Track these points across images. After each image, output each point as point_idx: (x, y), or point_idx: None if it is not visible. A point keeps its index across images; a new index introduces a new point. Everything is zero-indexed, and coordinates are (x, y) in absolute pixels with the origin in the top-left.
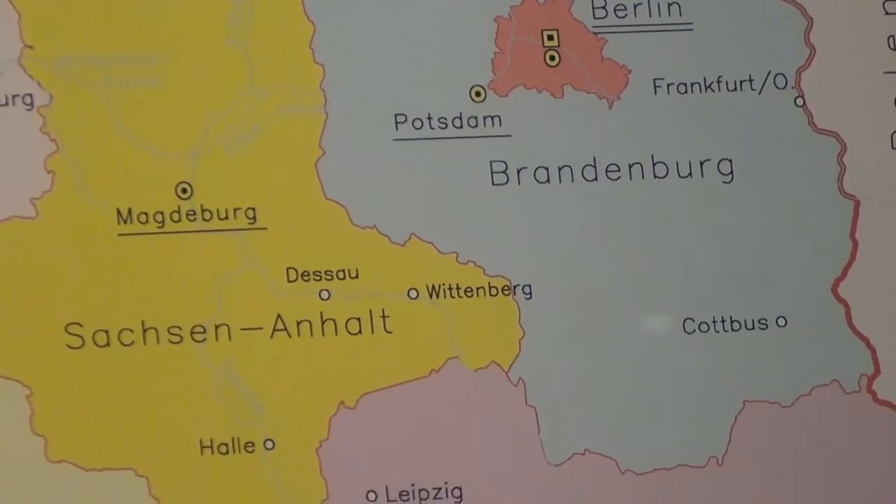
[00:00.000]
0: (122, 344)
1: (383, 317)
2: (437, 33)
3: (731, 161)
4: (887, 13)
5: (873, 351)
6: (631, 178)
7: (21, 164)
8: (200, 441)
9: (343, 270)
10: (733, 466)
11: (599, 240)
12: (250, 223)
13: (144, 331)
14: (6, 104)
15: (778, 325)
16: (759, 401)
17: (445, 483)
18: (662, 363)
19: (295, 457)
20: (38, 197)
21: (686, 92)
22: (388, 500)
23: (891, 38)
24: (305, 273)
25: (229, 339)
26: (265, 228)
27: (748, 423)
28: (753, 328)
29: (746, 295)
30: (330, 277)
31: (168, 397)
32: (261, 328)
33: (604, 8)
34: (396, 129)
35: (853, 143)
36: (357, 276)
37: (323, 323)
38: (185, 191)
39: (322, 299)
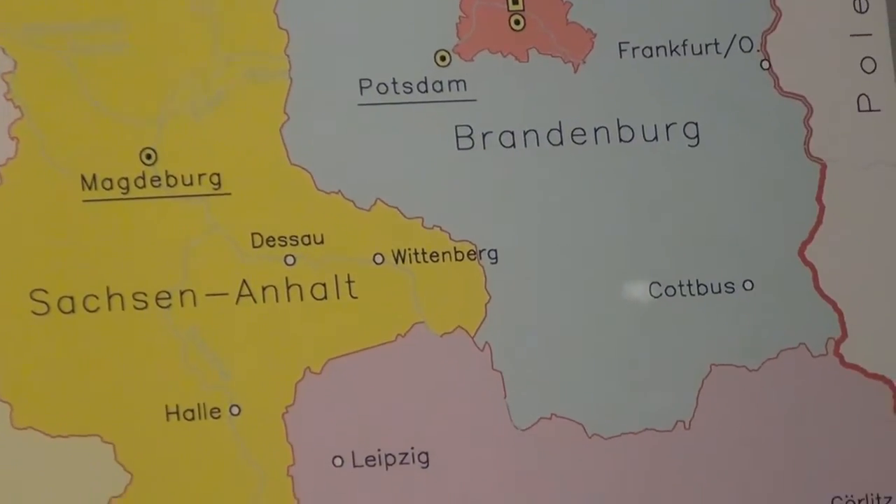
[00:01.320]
0: (87, 310)
1: (349, 282)
2: None
3: (696, 125)
4: None
5: (840, 314)
6: (597, 143)
7: None
8: (166, 407)
9: (308, 236)
10: (701, 430)
11: (565, 204)
12: (215, 189)
13: (109, 297)
14: None
15: (745, 288)
16: (726, 364)
17: (412, 448)
18: (629, 327)
19: (261, 422)
20: (3, 163)
21: (652, 56)
22: (355, 466)
23: (857, 1)
24: (271, 238)
25: (194, 304)
26: (230, 194)
27: (715, 387)
28: (720, 292)
29: (713, 259)
30: (295, 243)
31: (133, 363)
32: (226, 294)
33: None
34: (361, 94)
35: (819, 106)
36: (322, 242)
37: (288, 288)
38: (149, 157)
39: (287, 265)
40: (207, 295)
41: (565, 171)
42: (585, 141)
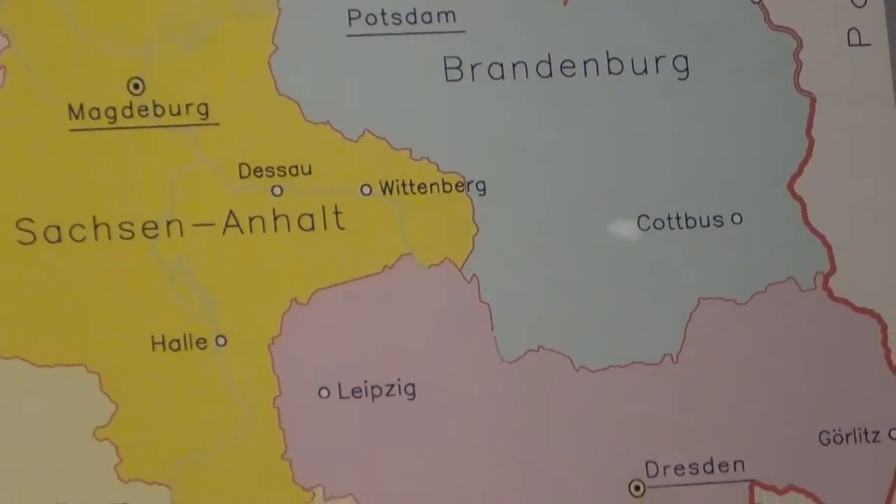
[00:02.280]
0: (74, 240)
1: (336, 213)
2: None
3: (686, 58)
4: None
5: (829, 248)
6: (586, 75)
7: None
8: (152, 337)
9: (296, 166)
10: (688, 364)
11: (554, 136)
12: (202, 119)
13: (96, 226)
14: None
15: (733, 221)
16: (714, 298)
17: (398, 379)
18: (617, 260)
19: (247, 353)
20: None
21: None
22: (341, 397)
23: None
24: (258, 169)
25: (181, 235)
26: (217, 124)
27: (703, 320)
28: (709, 225)
29: (701, 192)
30: (283, 173)
31: (120, 294)
32: (213, 224)
33: None
34: (350, 24)
35: (809, 39)
36: (310, 173)
37: (275, 219)
38: (137, 86)
39: (274, 195)
40: (194, 225)
41: (554, 103)
42: (574, 73)
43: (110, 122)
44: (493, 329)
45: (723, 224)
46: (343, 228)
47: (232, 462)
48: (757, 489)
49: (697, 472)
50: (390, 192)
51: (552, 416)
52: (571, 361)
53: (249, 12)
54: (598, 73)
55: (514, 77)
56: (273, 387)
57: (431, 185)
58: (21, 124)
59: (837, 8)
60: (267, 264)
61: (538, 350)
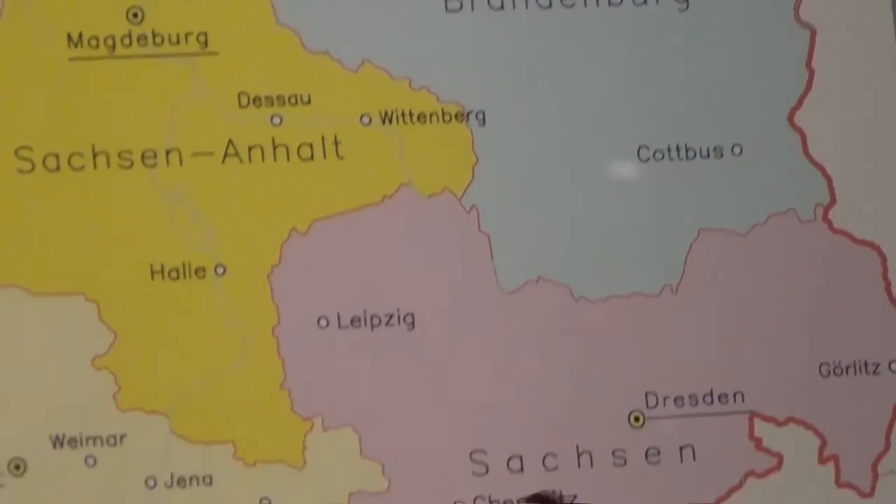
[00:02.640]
0: (73, 168)
1: (335, 143)
2: None
3: None
4: None
5: (829, 180)
6: (585, 6)
7: None
8: (151, 266)
9: (295, 96)
10: (688, 295)
11: (554, 67)
12: (202, 48)
13: (95, 155)
14: None
15: (733, 153)
16: (715, 229)
17: (398, 309)
18: (617, 191)
19: (246, 282)
20: None
21: None
22: (340, 327)
23: None
24: (257, 98)
25: (180, 164)
26: (217, 53)
27: (703, 251)
28: (709, 156)
29: (702, 123)
30: (282, 103)
31: (118, 223)
32: (212, 153)
33: None
34: None
35: None
36: (309, 102)
37: (275, 148)
38: (136, 15)
39: (274, 125)
40: (193, 154)
41: (554, 33)
42: (574, 3)
43: (109, 52)
44: (492, 259)
45: (723, 155)
46: (342, 158)
47: (230, 391)
48: (757, 421)
49: (697, 403)
50: (390, 121)
51: (551, 347)
52: (571, 292)
53: None
54: (597, 5)
55: (514, 7)
56: (272, 316)
57: (431, 114)
58: (20, 54)
59: None
60: (266, 194)
61: (538, 280)
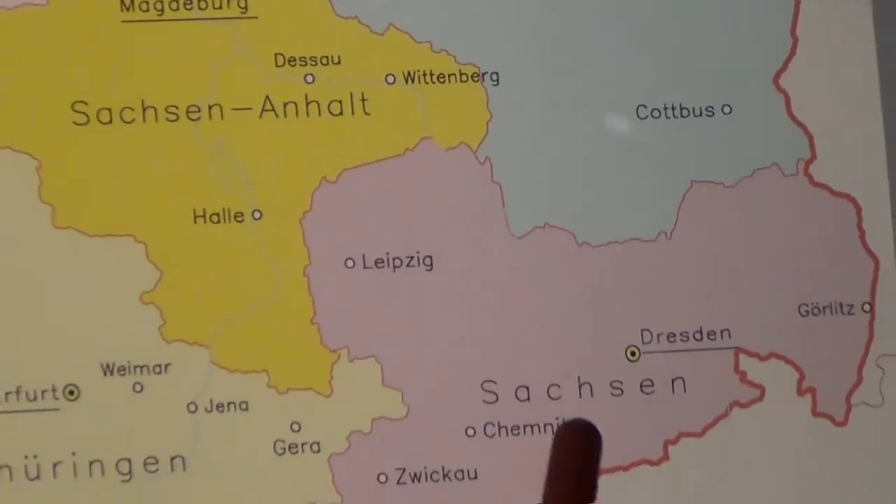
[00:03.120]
0: (124, 121)
1: (363, 100)
2: None
3: None
4: None
5: (811, 138)
6: None
7: None
8: (194, 211)
9: (327, 57)
10: (680, 241)
11: (563, 32)
12: (242, 12)
13: (144, 109)
14: None
15: (723, 112)
16: (705, 181)
17: (417, 252)
18: (617, 145)
19: (280, 226)
20: None
21: None
22: (365, 267)
23: None
24: (292, 59)
25: (221, 118)
26: (256, 17)
27: (695, 201)
28: (701, 115)
29: (695, 85)
30: (314, 63)
31: (165, 171)
32: (250, 109)
33: None
34: None
35: None
36: (339, 62)
37: (307, 104)
38: None
39: (307, 83)
40: (233, 109)
41: (563, 2)
42: None
43: (158, 15)
44: (504, 206)
45: (714, 114)
46: (369, 114)
47: (265, 325)
48: (741, 356)
49: (688, 339)
50: (412, 81)
51: (556, 287)
52: (574, 237)
53: None
54: None
55: None
56: (303, 257)
57: (450, 75)
58: (76, 15)
59: None
60: (299, 146)
61: (545, 227)
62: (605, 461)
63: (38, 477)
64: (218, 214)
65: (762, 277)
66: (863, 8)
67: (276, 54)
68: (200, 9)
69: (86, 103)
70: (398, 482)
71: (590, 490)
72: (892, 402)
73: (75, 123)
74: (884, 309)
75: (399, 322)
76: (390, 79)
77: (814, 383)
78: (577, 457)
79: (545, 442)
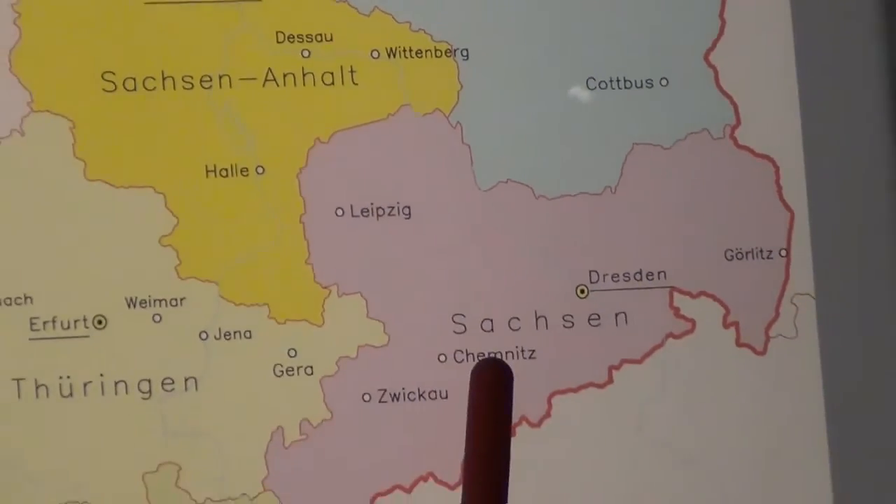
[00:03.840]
0: (146, 89)
1: (351, 72)
2: None
3: None
4: None
5: (736, 107)
6: None
7: None
8: (206, 166)
9: (321, 34)
10: (623, 195)
11: (523, 15)
12: None
13: (164, 79)
14: None
15: (661, 84)
16: (645, 143)
17: (398, 203)
18: (571, 112)
19: (280, 180)
20: None
21: None
22: (353, 216)
23: None
24: (291, 36)
25: (230, 86)
26: (260, 0)
27: (636, 160)
28: (642, 87)
29: (637, 60)
30: (310, 40)
31: (181, 132)
32: (255, 79)
33: None
34: None
35: None
36: (332, 40)
37: (304, 76)
38: None
39: (303, 57)
40: (240, 79)
41: None
42: None
43: None
44: (472, 164)
45: (653, 86)
46: (356, 84)
47: (267, 265)
48: (675, 294)
49: (629, 279)
50: (394, 56)
51: (516, 233)
52: (533, 191)
53: None
54: None
55: None
56: (300, 207)
57: (426, 51)
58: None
59: None
60: (296, 110)
61: (507, 182)
62: (559, 384)
63: (70, 395)
64: (226, 169)
65: (693, 226)
66: None
67: (276, 32)
68: None
69: (113, 73)
70: (380, 401)
71: (505, 424)
72: (804, 334)
73: (104, 90)
74: (798, 254)
75: (381, 263)
76: (375, 54)
77: (737, 318)
78: (489, 392)
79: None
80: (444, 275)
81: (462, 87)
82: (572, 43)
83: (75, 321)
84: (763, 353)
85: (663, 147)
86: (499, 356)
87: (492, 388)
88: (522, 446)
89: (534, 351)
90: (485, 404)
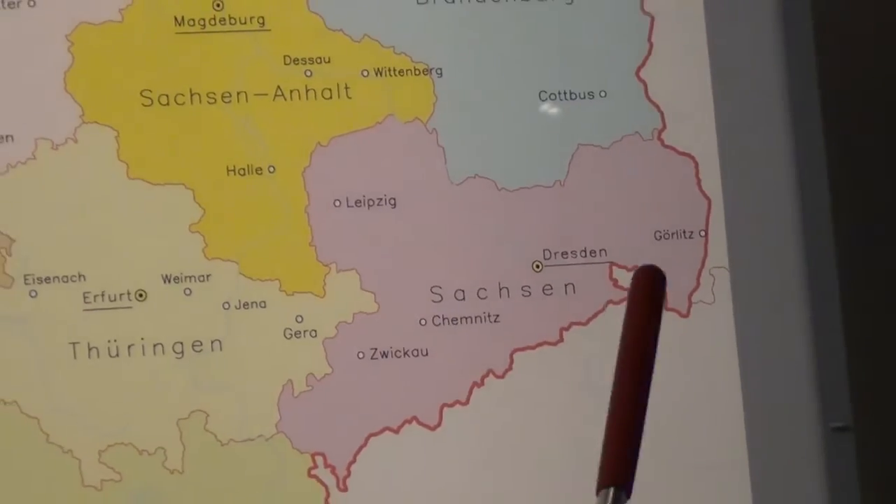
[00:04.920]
0: (177, 104)
1: (346, 88)
2: None
3: None
4: None
5: (662, 114)
6: (507, 0)
7: None
8: (227, 166)
9: (320, 57)
10: (571, 187)
11: (487, 41)
12: (260, 26)
13: (192, 95)
14: None
15: (601, 95)
16: (588, 144)
17: (385, 195)
18: (525, 119)
19: (288, 177)
20: (124, 7)
21: None
22: (348, 207)
23: None
24: (296, 59)
25: (246, 101)
26: (270, 30)
27: (581, 158)
28: (584, 98)
29: (579, 77)
30: (312, 62)
31: (206, 138)
32: (266, 94)
33: None
34: None
35: None
36: (329, 62)
37: (307, 91)
38: (218, 5)
39: (307, 76)
40: (254, 95)
41: (487, 18)
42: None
43: (202, 28)
44: (446, 163)
45: (594, 97)
46: (350, 98)
47: (278, 247)
48: (614, 268)
49: (576, 256)
50: (381, 75)
51: (482, 218)
52: (496, 184)
53: None
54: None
55: (462, 2)
56: (304, 199)
57: (407, 70)
58: (143, 29)
59: None
60: (301, 120)
61: (475, 177)
62: (519, 343)
63: (117, 355)
64: (244, 169)
65: (628, 212)
66: (698, 22)
67: (284, 56)
68: (231, 24)
69: (150, 91)
70: (371, 358)
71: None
72: (720, 300)
73: (143, 105)
74: (714, 235)
75: (372, 245)
76: (365, 73)
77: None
78: (644, 293)
79: (477, 329)
80: (423, 254)
81: (437, 99)
82: (528, 62)
83: (120, 294)
84: (687, 315)
85: (603, 147)
86: (468, 321)
87: (647, 285)
88: (490, 394)
89: (498, 316)
90: (641, 299)
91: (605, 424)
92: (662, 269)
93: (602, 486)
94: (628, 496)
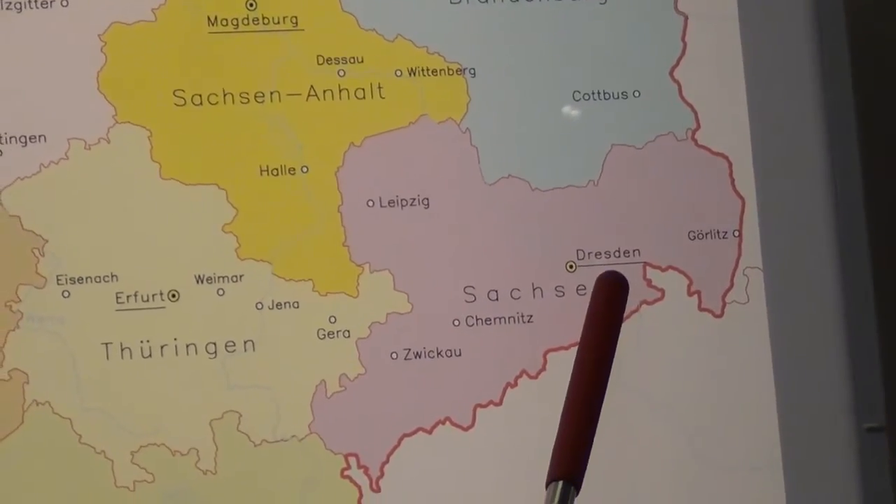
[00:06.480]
0: (210, 104)
1: (379, 88)
2: None
3: None
4: None
5: (696, 114)
6: (541, 1)
7: None
8: (260, 167)
9: (353, 57)
10: (604, 187)
11: (521, 41)
12: (294, 26)
13: (224, 95)
14: None
15: (634, 96)
16: (622, 144)
17: (418, 195)
18: (560, 119)
19: (321, 178)
20: (157, 7)
21: None
22: (381, 207)
23: None
24: (329, 59)
25: (279, 101)
26: (303, 30)
27: (614, 158)
28: (618, 98)
29: (614, 76)
30: (345, 62)
31: (240, 138)
32: (300, 94)
33: None
34: None
35: None
36: (363, 61)
37: (340, 91)
38: (251, 5)
39: (339, 76)
40: (287, 94)
41: (522, 18)
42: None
43: (235, 28)
44: (479, 163)
45: (628, 97)
46: (384, 98)
47: (311, 247)
48: (648, 268)
49: (610, 256)
50: (414, 74)
51: (516, 219)
52: (529, 184)
53: None
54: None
55: (495, 1)
56: (337, 199)
57: (440, 70)
58: (176, 28)
59: None
60: (334, 120)
61: (508, 177)
62: (552, 343)
63: (150, 356)
64: (277, 169)
65: (661, 212)
66: (731, 23)
67: (317, 56)
68: (264, 24)
69: (183, 91)
70: (405, 358)
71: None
72: (754, 300)
73: (175, 105)
74: (748, 235)
75: (405, 245)
76: (398, 73)
77: (699, 287)
78: (606, 300)
79: (510, 330)
80: (457, 254)
81: (470, 99)
82: (561, 62)
83: (153, 295)
84: (720, 315)
85: (636, 147)
86: (502, 321)
87: (608, 291)
88: (523, 395)
89: (531, 316)
90: (601, 303)
91: (559, 421)
92: (698, 268)
93: (551, 479)
94: (577, 491)
